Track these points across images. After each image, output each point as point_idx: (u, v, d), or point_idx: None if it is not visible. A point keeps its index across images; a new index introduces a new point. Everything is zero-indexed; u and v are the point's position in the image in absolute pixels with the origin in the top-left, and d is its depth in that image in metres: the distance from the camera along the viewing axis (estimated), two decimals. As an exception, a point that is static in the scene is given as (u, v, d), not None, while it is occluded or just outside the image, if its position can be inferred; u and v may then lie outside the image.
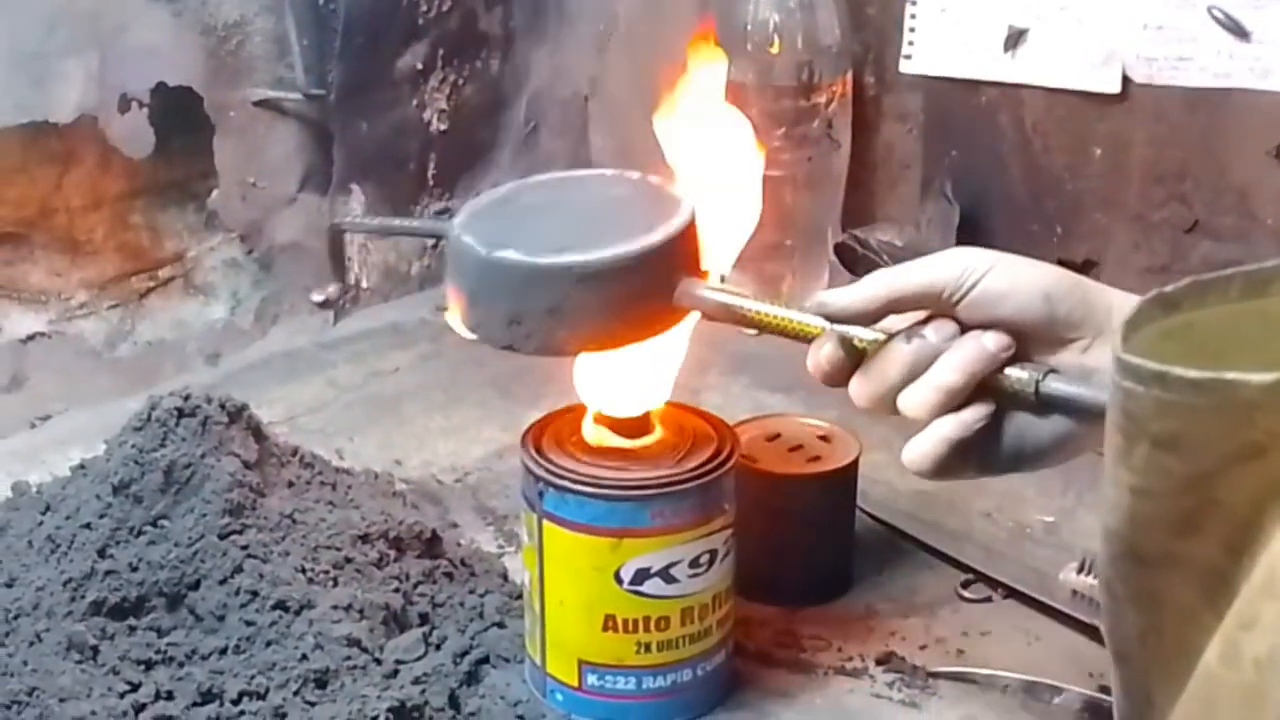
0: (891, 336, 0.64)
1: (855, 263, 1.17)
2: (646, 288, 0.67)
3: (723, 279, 0.71)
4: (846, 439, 0.85)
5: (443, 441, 1.03)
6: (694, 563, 0.71)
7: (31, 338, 1.08)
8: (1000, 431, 0.63)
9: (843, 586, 0.85)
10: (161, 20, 1.09)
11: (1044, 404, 0.62)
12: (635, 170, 0.73)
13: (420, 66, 1.24)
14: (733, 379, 1.08)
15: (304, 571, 0.75)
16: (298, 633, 0.72)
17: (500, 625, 0.78)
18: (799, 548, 0.83)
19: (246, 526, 0.76)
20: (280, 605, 0.73)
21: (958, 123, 1.19)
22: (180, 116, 1.11)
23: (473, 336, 0.70)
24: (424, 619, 0.78)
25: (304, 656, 0.71)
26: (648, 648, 0.72)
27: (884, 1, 1.21)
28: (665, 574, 0.71)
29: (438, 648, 0.76)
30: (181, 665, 0.72)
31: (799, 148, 1.15)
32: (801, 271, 1.18)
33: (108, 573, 0.74)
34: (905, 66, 1.19)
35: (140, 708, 0.70)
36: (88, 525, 0.76)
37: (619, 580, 0.71)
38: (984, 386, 0.62)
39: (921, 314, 0.64)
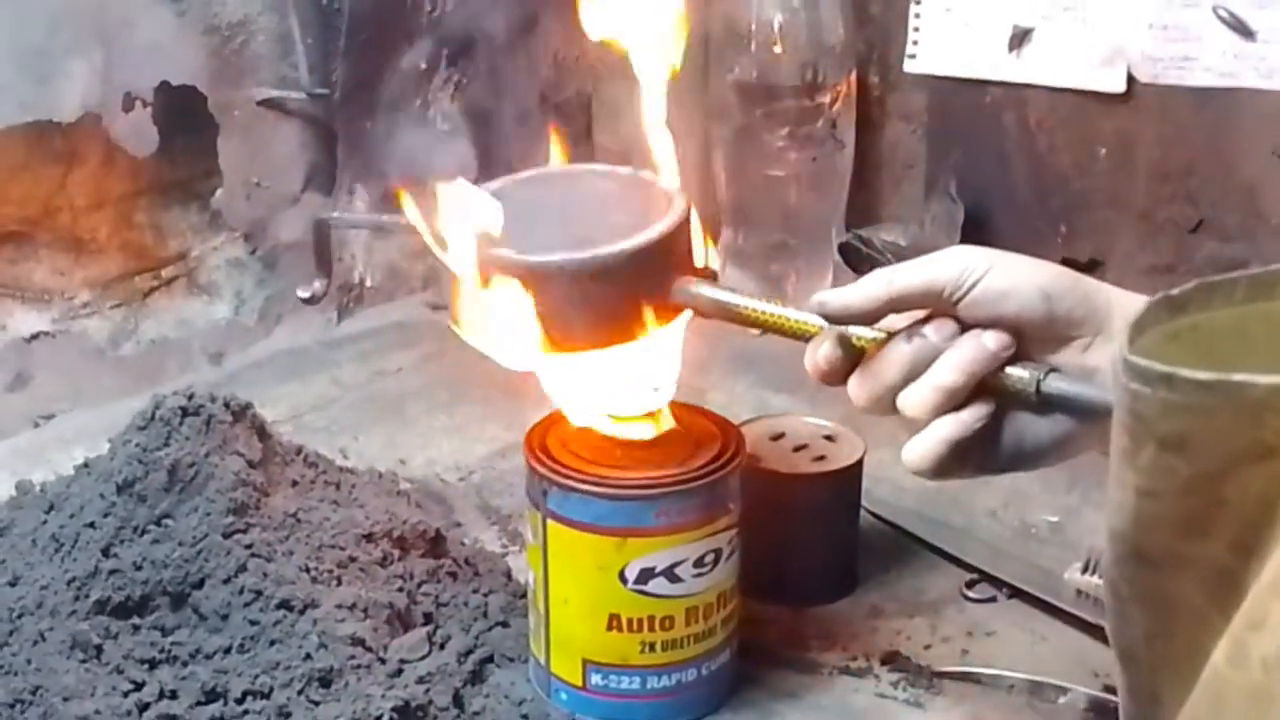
0: (891, 335, 0.63)
1: (859, 263, 1.17)
2: (641, 286, 0.66)
3: (715, 275, 0.70)
4: (851, 438, 0.85)
5: (447, 440, 1.03)
6: (699, 562, 0.71)
7: (35, 336, 1.08)
8: (1000, 431, 0.63)
9: (847, 586, 0.85)
10: (165, 19, 1.09)
11: (1045, 403, 0.62)
12: (628, 166, 0.72)
13: (424, 66, 1.24)
14: (737, 378, 1.08)
15: (308, 570, 0.75)
16: (302, 632, 0.72)
17: (504, 624, 0.78)
18: (804, 547, 0.83)
19: (250, 525, 0.76)
20: (284, 604, 0.73)
21: (962, 122, 1.19)
22: (184, 115, 1.11)
23: (468, 336, 0.69)
24: (428, 618, 0.78)
25: (308, 656, 0.71)
26: (652, 647, 0.72)
27: (888, 1, 1.21)
28: (670, 573, 0.71)
29: (442, 647, 0.76)
30: (185, 664, 0.72)
31: (803, 147, 1.15)
32: (805, 271, 1.18)
33: (112, 572, 0.74)
34: (910, 66, 1.19)
35: (144, 707, 0.70)
36: (92, 524, 0.76)
37: (623, 579, 0.70)
38: (984, 386, 0.62)
39: (921, 313, 0.64)
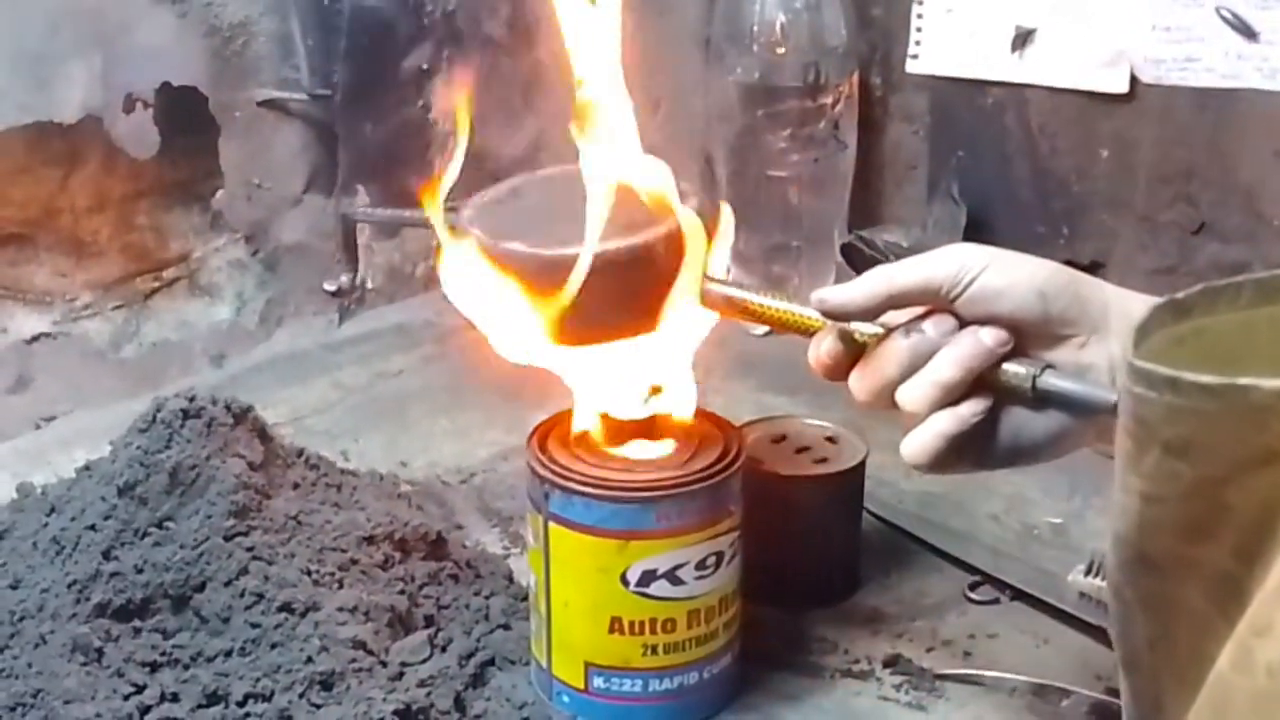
0: (890, 331, 0.64)
1: (862, 264, 1.16)
2: (651, 280, 0.67)
3: (728, 271, 0.71)
4: (853, 441, 0.85)
5: (448, 443, 1.03)
6: (700, 565, 0.71)
7: (36, 338, 1.08)
8: (997, 426, 0.64)
9: (849, 588, 0.85)
10: (166, 20, 1.08)
11: (1040, 399, 0.62)
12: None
13: (425, 67, 1.24)
14: (739, 380, 1.08)
15: (309, 573, 0.75)
16: (303, 635, 0.72)
17: (506, 627, 0.78)
18: (805, 550, 0.83)
19: (252, 528, 0.75)
20: (285, 607, 0.73)
21: (964, 123, 1.19)
22: (185, 117, 1.11)
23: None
24: (429, 621, 0.77)
25: (309, 659, 0.71)
26: (654, 650, 0.72)
27: (890, 2, 1.21)
28: (672, 576, 0.71)
29: (443, 650, 0.76)
30: (187, 667, 0.72)
31: (805, 148, 1.15)
32: (808, 272, 1.18)
33: (113, 574, 0.74)
34: (912, 67, 1.19)
35: (145, 710, 0.69)
36: (93, 527, 0.76)
37: (625, 582, 0.70)
38: (981, 382, 0.63)
39: (921, 309, 0.64)
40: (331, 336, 1.21)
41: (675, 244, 0.68)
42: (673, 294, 0.68)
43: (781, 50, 1.14)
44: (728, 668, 0.75)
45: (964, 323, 0.63)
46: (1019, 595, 0.84)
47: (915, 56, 1.18)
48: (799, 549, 0.82)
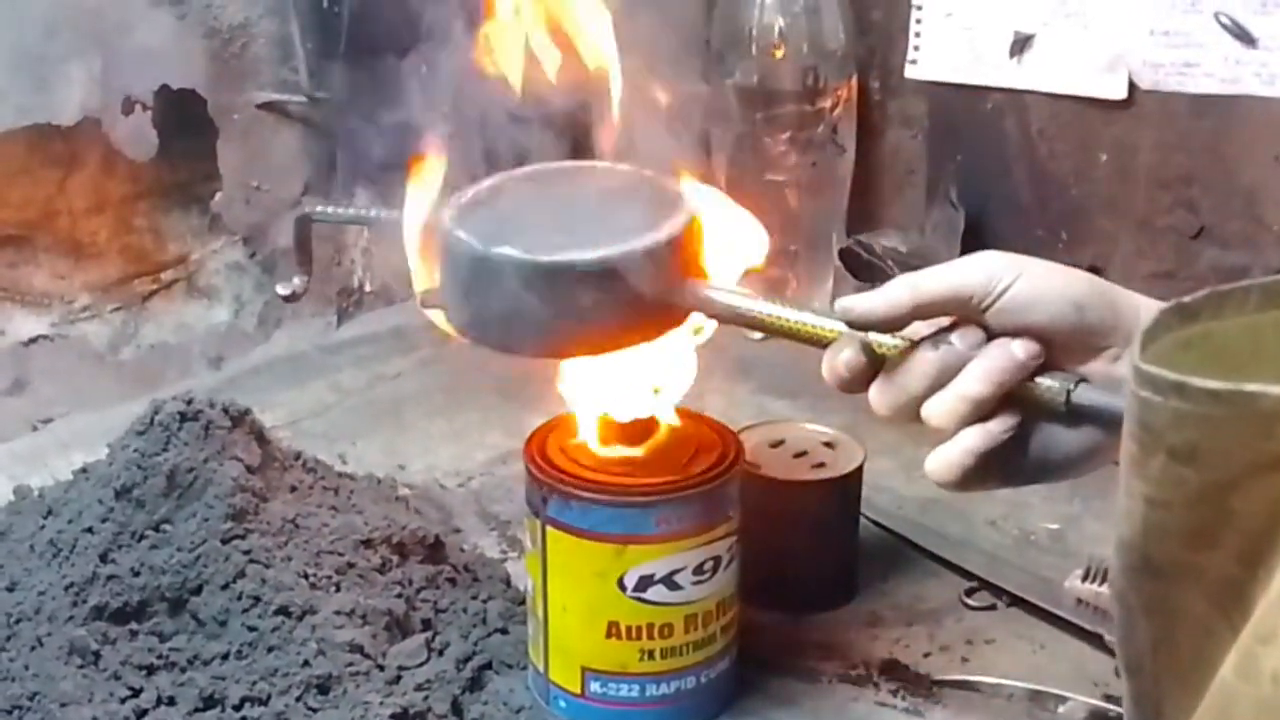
0: (916, 343, 0.61)
1: (860, 268, 1.16)
2: (652, 288, 0.64)
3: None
4: (851, 445, 0.85)
5: (446, 446, 1.03)
6: (698, 569, 0.71)
7: (34, 340, 1.08)
8: (1026, 442, 0.61)
9: (847, 594, 0.85)
10: (165, 22, 1.08)
11: (1074, 414, 0.59)
12: (629, 163, 0.70)
13: (425, 69, 1.24)
14: (737, 384, 1.08)
15: (306, 577, 0.75)
16: (300, 638, 0.72)
17: (503, 631, 0.78)
18: (803, 554, 0.83)
19: (249, 531, 0.75)
20: (283, 610, 0.73)
21: (963, 128, 1.19)
22: (184, 119, 1.11)
23: (462, 336, 0.67)
24: (427, 625, 0.77)
25: (306, 662, 0.71)
26: (651, 655, 0.72)
27: (889, 6, 1.21)
28: (669, 581, 0.70)
29: (440, 654, 0.76)
30: (183, 671, 0.72)
31: (803, 152, 1.15)
32: (806, 277, 1.18)
33: (109, 577, 0.74)
34: (910, 71, 1.19)
35: (142, 713, 0.69)
36: (90, 529, 0.76)
37: (622, 587, 0.70)
38: (1011, 396, 0.60)
39: (945, 319, 0.62)
40: (329, 339, 1.21)
41: (679, 251, 0.65)
42: (675, 303, 0.65)
43: (780, 54, 1.14)
44: (725, 673, 0.75)
45: (992, 334, 0.61)
46: (1016, 601, 0.84)
47: (914, 61, 1.18)
48: (796, 554, 0.82)
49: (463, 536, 0.90)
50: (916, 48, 1.18)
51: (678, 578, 0.71)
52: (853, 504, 0.85)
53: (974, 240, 1.14)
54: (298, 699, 0.70)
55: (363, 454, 1.00)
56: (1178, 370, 0.40)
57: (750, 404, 1.05)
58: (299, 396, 1.10)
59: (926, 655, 0.80)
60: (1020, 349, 0.60)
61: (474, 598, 0.80)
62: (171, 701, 0.70)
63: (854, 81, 1.18)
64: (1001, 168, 1.17)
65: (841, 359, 0.62)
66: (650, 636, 0.71)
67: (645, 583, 0.70)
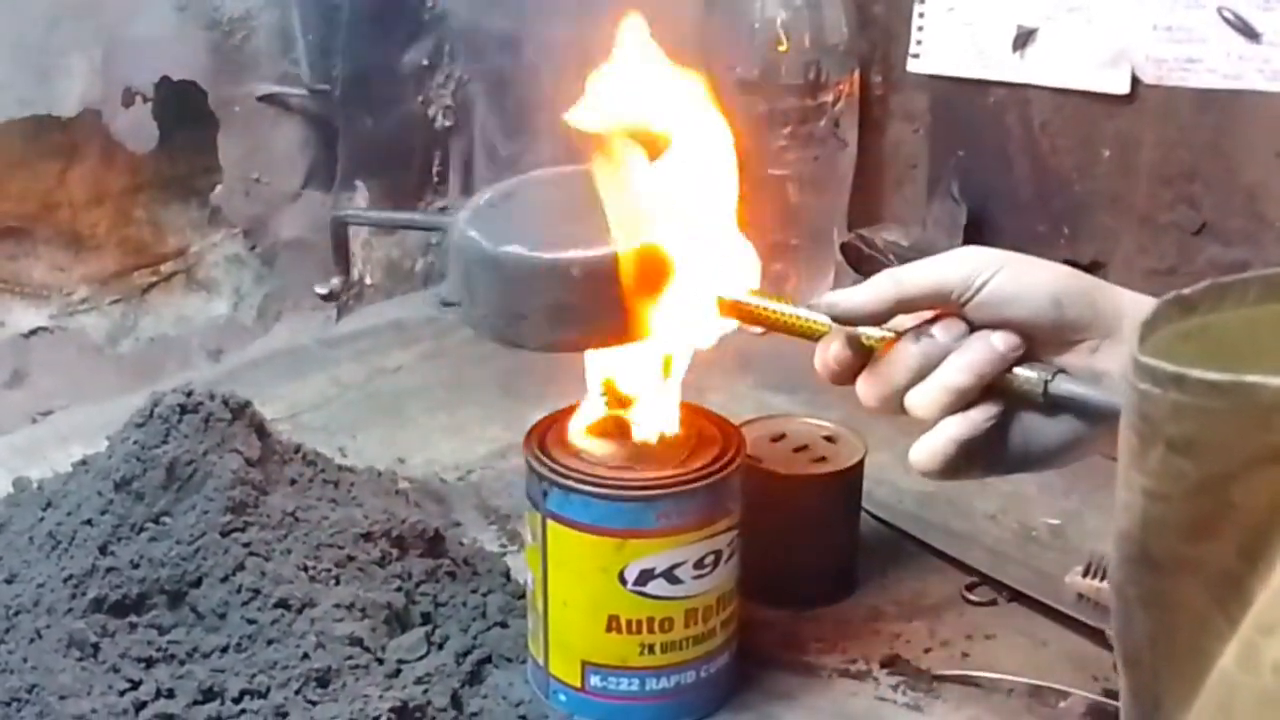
0: (900, 335, 0.63)
1: (861, 263, 1.16)
2: (655, 285, 0.66)
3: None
4: (851, 440, 0.85)
5: (446, 440, 1.03)
6: (699, 564, 0.71)
7: (34, 333, 1.07)
8: (1007, 432, 0.63)
9: (847, 588, 0.85)
10: (165, 14, 1.08)
11: (1052, 405, 0.62)
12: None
13: (425, 62, 1.24)
14: (738, 378, 1.07)
15: (306, 570, 0.75)
16: (299, 631, 0.72)
17: (503, 625, 0.78)
18: (803, 549, 0.83)
19: (248, 524, 0.75)
20: (282, 604, 0.73)
21: (965, 122, 1.18)
22: (184, 111, 1.10)
23: (474, 332, 0.70)
24: (426, 618, 0.77)
25: (306, 655, 0.71)
26: (651, 649, 0.72)
27: (892, 0, 1.21)
28: (670, 575, 0.70)
29: (440, 647, 0.75)
30: (182, 663, 0.72)
31: (805, 147, 1.15)
32: (806, 271, 1.18)
33: (109, 570, 0.74)
34: (913, 66, 1.18)
35: (141, 706, 0.69)
36: (89, 522, 0.75)
37: (623, 581, 0.70)
38: (992, 387, 0.62)
39: (930, 313, 0.64)
40: (329, 332, 1.21)
41: (681, 249, 0.67)
42: (678, 299, 0.67)
43: (782, 48, 1.13)
44: (725, 667, 0.75)
45: (974, 327, 0.62)
46: (1017, 596, 0.84)
47: (916, 55, 1.18)
48: (797, 548, 0.82)
49: (462, 530, 0.90)
50: (919, 42, 1.17)
51: (678, 572, 0.70)
52: (853, 498, 0.85)
53: (975, 235, 1.14)
54: (297, 692, 0.70)
55: (362, 447, 1.00)
56: (1176, 362, 0.40)
57: (751, 398, 1.04)
58: (299, 389, 1.09)
59: (927, 650, 0.80)
60: (1000, 341, 0.62)
61: (474, 591, 0.80)
62: (170, 694, 0.70)
63: (856, 76, 1.18)
64: (1003, 163, 1.17)
65: (831, 352, 0.65)
66: (650, 630, 0.71)
67: (646, 577, 0.70)
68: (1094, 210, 1.13)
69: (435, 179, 1.28)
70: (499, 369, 1.10)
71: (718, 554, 0.71)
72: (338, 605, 0.74)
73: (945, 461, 0.62)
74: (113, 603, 0.73)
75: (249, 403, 0.81)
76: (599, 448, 0.72)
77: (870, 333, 0.64)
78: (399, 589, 0.77)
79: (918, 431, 0.64)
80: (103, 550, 0.74)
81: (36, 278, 1.07)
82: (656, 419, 0.73)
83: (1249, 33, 1.01)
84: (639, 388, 0.73)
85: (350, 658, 0.72)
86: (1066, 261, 0.67)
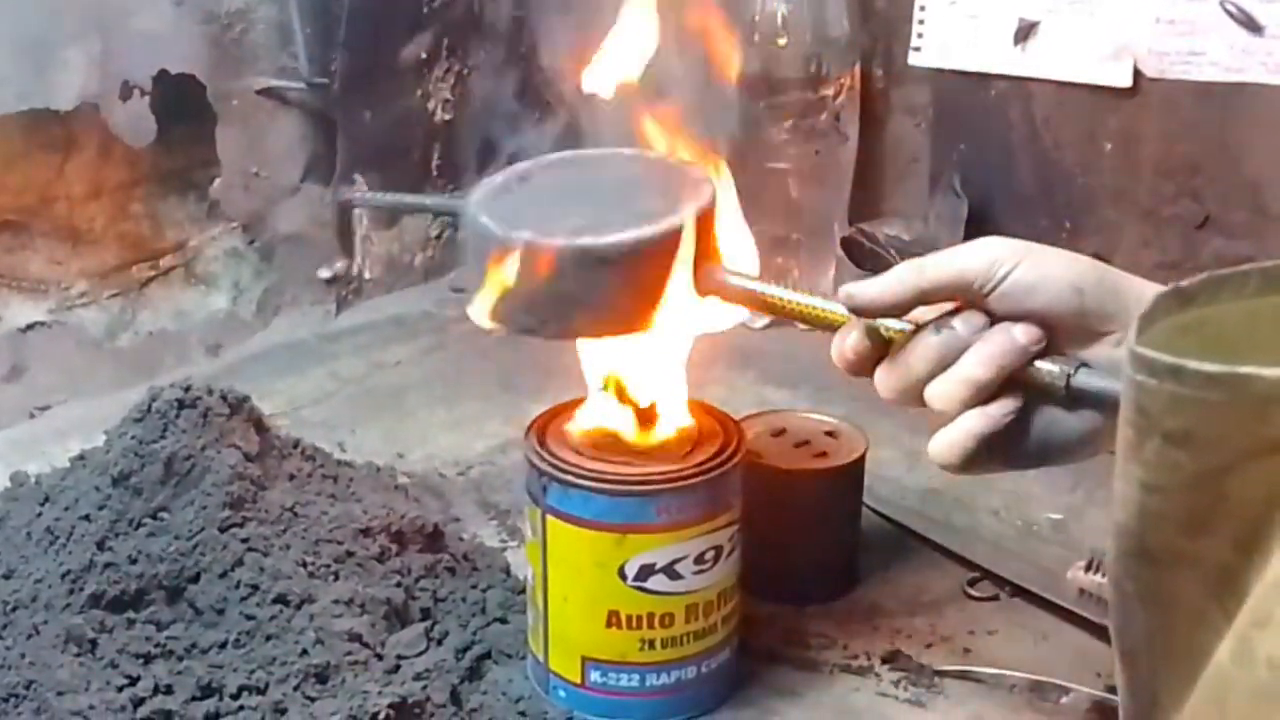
0: (920, 327, 0.62)
1: (862, 257, 1.16)
2: (668, 271, 0.65)
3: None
4: (853, 435, 0.85)
5: (445, 435, 1.03)
6: (699, 559, 0.71)
7: (31, 327, 1.07)
8: (1028, 425, 0.62)
9: (848, 584, 0.85)
10: (164, 7, 1.08)
11: (1075, 398, 0.60)
12: (655, 150, 0.71)
13: (425, 56, 1.24)
14: (738, 373, 1.07)
15: (305, 565, 0.75)
16: (298, 627, 0.72)
17: (503, 621, 0.78)
18: (804, 544, 0.82)
19: (247, 519, 0.75)
20: (281, 599, 0.73)
21: (967, 116, 1.18)
22: (182, 105, 1.10)
23: (492, 323, 0.67)
24: (426, 614, 0.77)
25: (304, 651, 0.71)
26: (652, 644, 0.71)
27: (893, -7, 1.20)
28: (670, 570, 0.70)
29: (439, 643, 0.75)
30: (181, 659, 0.72)
31: (806, 141, 1.15)
32: (807, 266, 1.17)
33: (107, 565, 0.73)
34: (914, 59, 1.18)
35: (139, 702, 0.69)
36: (87, 517, 0.75)
37: (623, 576, 0.70)
38: (1013, 380, 0.61)
39: (950, 304, 0.63)
40: (328, 327, 1.21)
41: (695, 236, 0.66)
42: (691, 287, 0.66)
43: (783, 42, 1.13)
44: (726, 663, 0.75)
45: (995, 319, 0.62)
46: (1019, 591, 0.83)
47: (918, 49, 1.18)
48: (798, 543, 0.82)
49: (462, 525, 0.89)
50: (920, 35, 1.17)
51: (679, 567, 0.70)
52: (855, 493, 0.85)
53: (977, 230, 1.14)
54: (296, 688, 0.70)
55: (362, 442, 1.00)
56: (1175, 354, 0.40)
57: (752, 393, 1.04)
58: (298, 384, 1.09)
59: (928, 645, 0.79)
60: (1021, 333, 0.61)
61: (473, 587, 0.80)
62: (169, 690, 0.70)
63: (857, 69, 1.17)
64: (1005, 156, 1.16)
65: (849, 343, 0.64)
66: (651, 626, 0.71)
67: (646, 572, 0.70)
68: (1096, 204, 1.12)
69: (435, 173, 1.27)
70: (499, 364, 1.10)
71: (718, 549, 0.71)
72: (337, 601, 0.73)
73: (964, 455, 0.61)
74: (111, 598, 0.73)
75: (247, 397, 0.81)
76: (599, 442, 0.71)
77: (888, 324, 0.63)
78: (398, 584, 0.77)
79: (922, 428, 0.63)
80: (100, 546, 0.74)
81: (34, 272, 1.07)
82: (658, 413, 0.72)
83: (1252, 26, 1.01)
84: (640, 381, 0.72)
85: (349, 653, 0.71)
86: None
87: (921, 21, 1.17)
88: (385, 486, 0.89)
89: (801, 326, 0.67)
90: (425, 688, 0.71)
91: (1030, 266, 0.61)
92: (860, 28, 1.18)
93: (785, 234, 1.17)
